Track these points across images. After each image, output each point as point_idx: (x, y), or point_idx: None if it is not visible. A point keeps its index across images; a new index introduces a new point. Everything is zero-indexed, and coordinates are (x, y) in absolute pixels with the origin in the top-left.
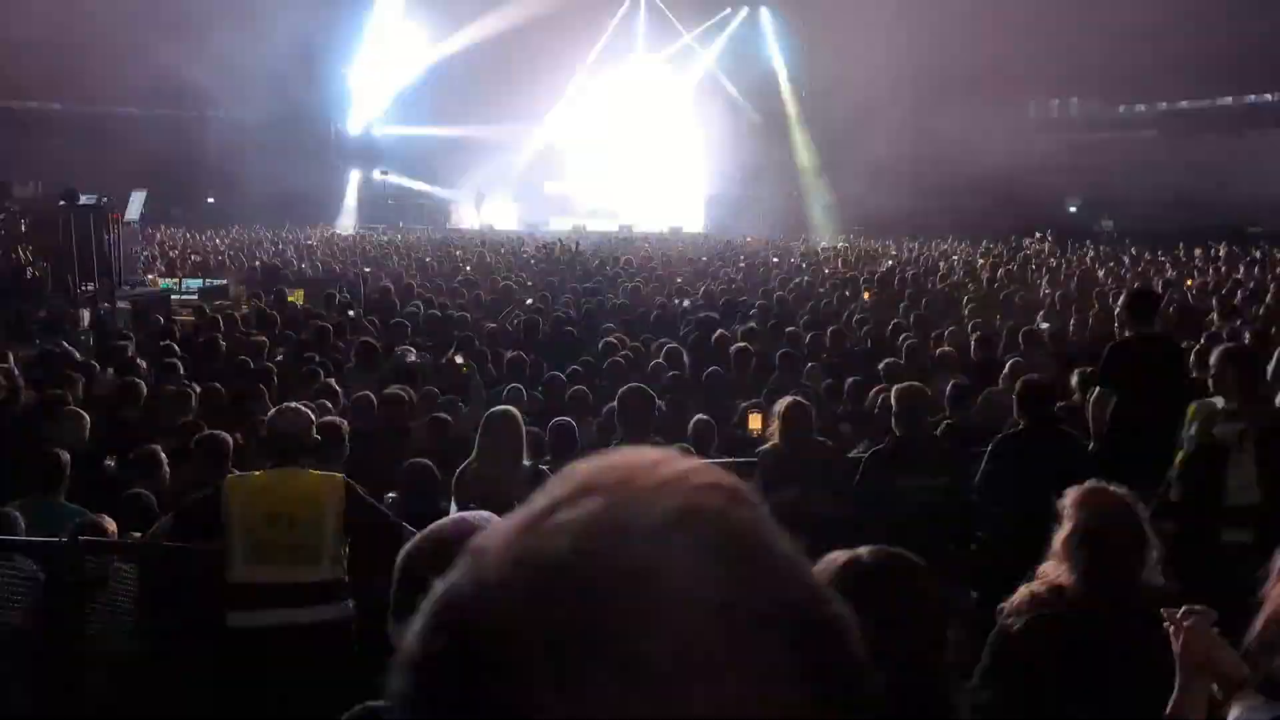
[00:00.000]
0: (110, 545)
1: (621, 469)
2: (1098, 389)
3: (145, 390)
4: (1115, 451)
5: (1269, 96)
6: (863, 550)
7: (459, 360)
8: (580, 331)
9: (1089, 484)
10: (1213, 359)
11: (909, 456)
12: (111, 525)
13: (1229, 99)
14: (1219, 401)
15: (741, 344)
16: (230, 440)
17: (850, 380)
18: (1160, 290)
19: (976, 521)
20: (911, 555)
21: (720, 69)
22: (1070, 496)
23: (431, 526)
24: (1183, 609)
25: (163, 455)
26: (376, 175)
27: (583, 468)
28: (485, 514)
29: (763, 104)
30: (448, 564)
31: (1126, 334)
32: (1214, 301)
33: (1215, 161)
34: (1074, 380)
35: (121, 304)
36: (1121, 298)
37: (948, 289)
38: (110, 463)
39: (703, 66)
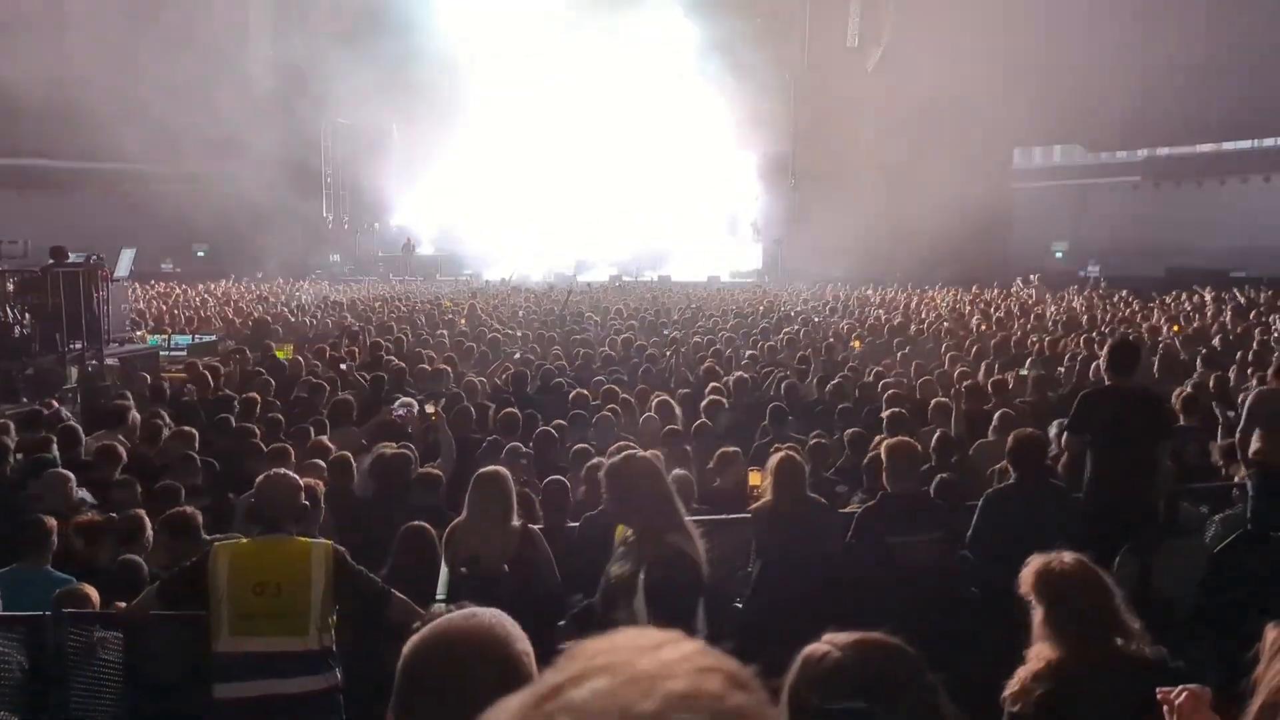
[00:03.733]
0: (94, 616)
1: (626, 650)
2: (1067, 436)
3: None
4: (1096, 504)
5: (1246, 144)
6: (843, 642)
7: (429, 410)
8: (569, 384)
9: (1041, 560)
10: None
11: (900, 512)
12: (94, 595)
13: (1208, 147)
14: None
15: (714, 397)
16: (197, 515)
17: (843, 433)
18: (1144, 335)
19: (969, 576)
20: (895, 642)
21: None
22: (1027, 578)
23: (439, 622)
24: (1177, 688)
25: (148, 521)
26: (367, 227)
27: (588, 648)
28: (492, 611)
29: (752, 151)
30: (454, 665)
31: (1105, 383)
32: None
33: (1198, 207)
34: (1052, 430)
35: (110, 361)
36: (1104, 348)
37: (934, 336)
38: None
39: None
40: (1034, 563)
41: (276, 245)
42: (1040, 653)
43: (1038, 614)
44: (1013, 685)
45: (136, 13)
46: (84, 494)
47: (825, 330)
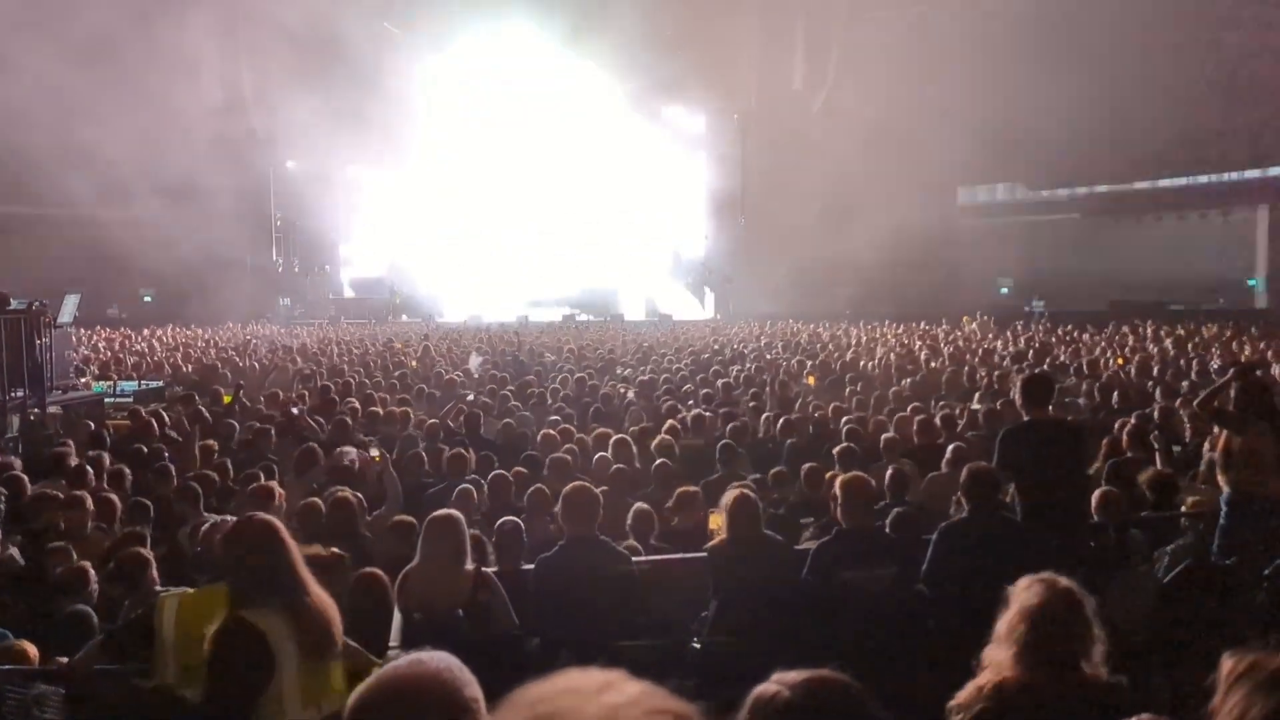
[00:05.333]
0: (32, 673)
1: (569, 696)
2: None
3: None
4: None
5: (1182, 181)
6: (794, 681)
7: (373, 453)
8: (522, 424)
9: (1039, 575)
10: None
11: (855, 548)
12: (32, 650)
13: (1144, 184)
14: None
15: (667, 437)
16: (148, 557)
17: (798, 469)
18: (1086, 369)
19: (926, 610)
20: (844, 680)
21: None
22: (1018, 584)
23: (386, 670)
24: (1133, 719)
25: (92, 572)
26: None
27: (530, 696)
28: (440, 656)
29: (704, 194)
30: (401, 713)
31: (1024, 418)
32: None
33: (1137, 243)
34: None
35: (52, 408)
36: (1018, 382)
37: (885, 372)
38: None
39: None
40: (1031, 576)
41: (226, 290)
42: (996, 661)
43: (1003, 615)
44: (960, 696)
45: (82, 56)
46: (13, 550)
47: (778, 367)
